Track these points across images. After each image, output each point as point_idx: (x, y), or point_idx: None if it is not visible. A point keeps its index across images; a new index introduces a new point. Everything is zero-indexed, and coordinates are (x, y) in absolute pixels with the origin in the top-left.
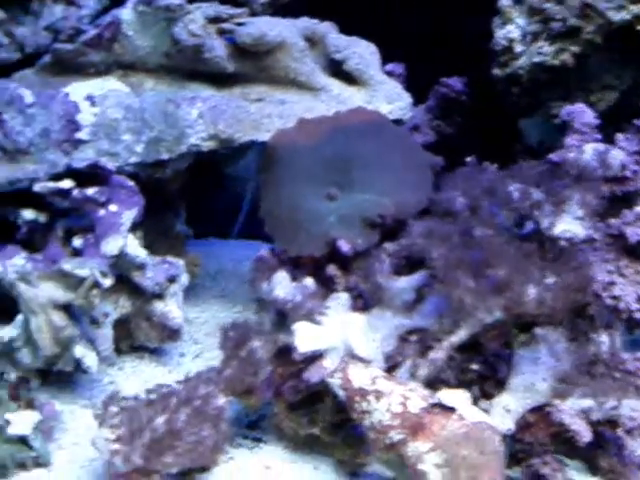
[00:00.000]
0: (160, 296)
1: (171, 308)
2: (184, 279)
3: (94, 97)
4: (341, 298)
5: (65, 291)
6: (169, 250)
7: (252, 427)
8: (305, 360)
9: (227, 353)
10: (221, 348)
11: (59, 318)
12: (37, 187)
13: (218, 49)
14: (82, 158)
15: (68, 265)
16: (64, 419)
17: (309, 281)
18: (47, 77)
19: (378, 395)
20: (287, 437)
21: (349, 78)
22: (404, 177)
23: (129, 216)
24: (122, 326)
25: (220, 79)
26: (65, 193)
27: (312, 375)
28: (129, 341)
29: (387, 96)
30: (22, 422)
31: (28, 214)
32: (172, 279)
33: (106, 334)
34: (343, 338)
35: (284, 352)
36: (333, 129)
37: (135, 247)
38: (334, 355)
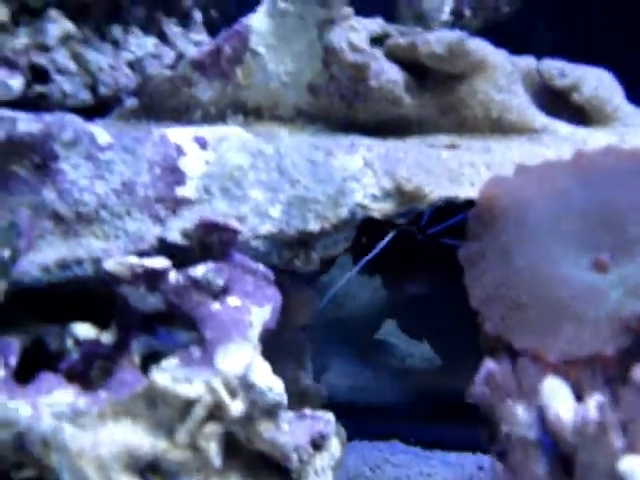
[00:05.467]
0: (299, 476)
1: None
2: (336, 447)
3: (205, 139)
4: None
5: (151, 435)
6: None
7: None
8: None
9: None
10: None
11: None
12: (109, 265)
13: (390, 72)
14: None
15: (163, 377)
16: None
17: (600, 399)
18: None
19: None
20: None
21: (581, 113)
22: None
23: (260, 316)
24: None
25: (386, 128)
26: (156, 279)
27: None
28: None
29: None
30: None
31: (83, 330)
32: (318, 444)
33: None
34: None
35: None
36: (578, 174)
37: (266, 373)
38: None
